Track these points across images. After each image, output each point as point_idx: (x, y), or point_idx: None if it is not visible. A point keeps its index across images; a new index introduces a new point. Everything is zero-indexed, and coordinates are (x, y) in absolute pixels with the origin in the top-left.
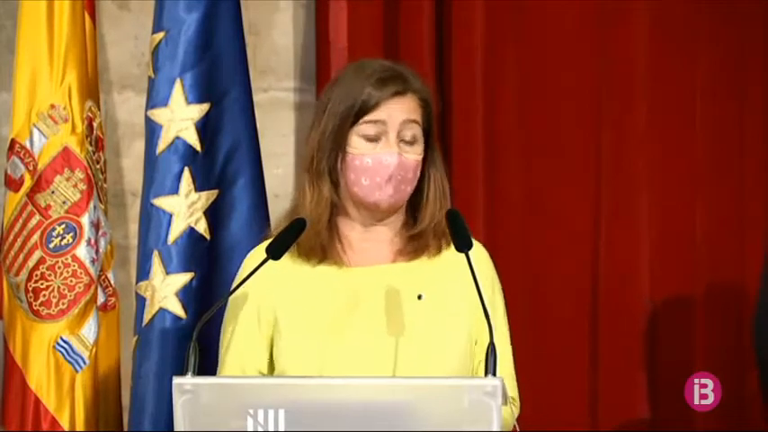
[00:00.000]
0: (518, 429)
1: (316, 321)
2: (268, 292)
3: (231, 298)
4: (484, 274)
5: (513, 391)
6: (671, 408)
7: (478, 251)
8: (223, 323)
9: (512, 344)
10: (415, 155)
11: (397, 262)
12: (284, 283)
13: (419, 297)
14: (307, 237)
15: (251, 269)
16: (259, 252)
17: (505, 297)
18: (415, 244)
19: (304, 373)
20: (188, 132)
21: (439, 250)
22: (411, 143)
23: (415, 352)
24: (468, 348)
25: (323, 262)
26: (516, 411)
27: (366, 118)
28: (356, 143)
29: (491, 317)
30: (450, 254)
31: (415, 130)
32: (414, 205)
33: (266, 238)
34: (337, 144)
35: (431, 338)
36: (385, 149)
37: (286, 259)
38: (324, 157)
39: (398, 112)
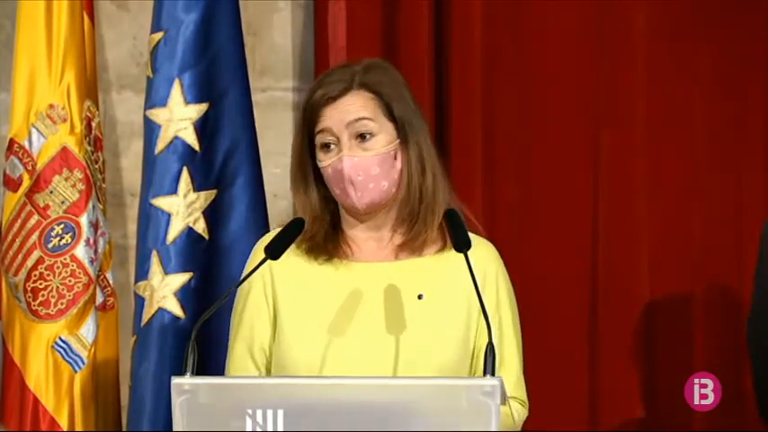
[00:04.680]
0: None
1: (316, 315)
2: (273, 281)
3: (241, 286)
4: (490, 272)
5: (521, 393)
6: (671, 408)
7: (486, 249)
8: (234, 305)
9: (522, 345)
10: (371, 151)
11: (400, 259)
12: (289, 275)
13: (419, 297)
14: (308, 239)
15: (259, 259)
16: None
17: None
18: (416, 236)
19: (303, 366)
20: (187, 132)
21: (443, 248)
22: (366, 140)
23: (412, 351)
24: (467, 349)
25: (329, 261)
26: (525, 413)
27: (316, 129)
28: (319, 155)
29: (497, 316)
30: (455, 253)
31: (367, 126)
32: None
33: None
34: (303, 157)
35: (428, 338)
36: (337, 156)
37: (294, 253)
38: (298, 171)
39: (340, 115)
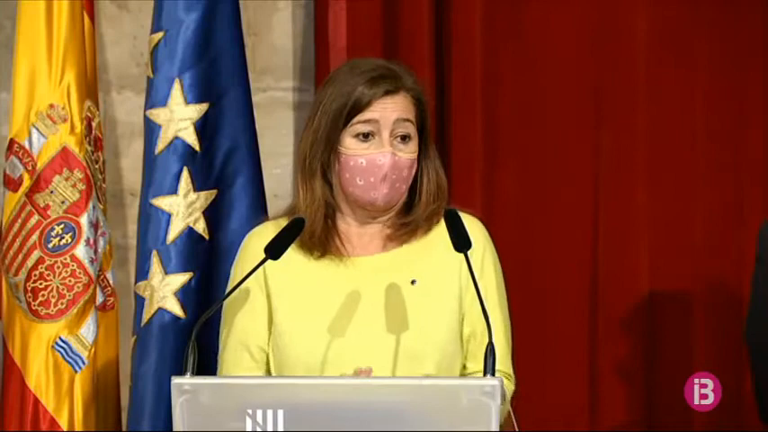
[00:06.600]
0: (515, 420)
1: (313, 309)
2: (267, 276)
3: (233, 279)
4: (477, 247)
5: (506, 366)
6: (671, 408)
7: (471, 223)
8: (223, 308)
9: (510, 320)
10: (409, 153)
11: (389, 249)
12: (283, 271)
13: (412, 282)
14: (305, 234)
15: (251, 251)
16: (258, 235)
17: (505, 279)
18: (406, 229)
19: (303, 363)
20: (187, 132)
21: (427, 231)
22: (405, 142)
23: (410, 334)
24: (459, 324)
25: (323, 256)
26: (512, 387)
27: (358, 117)
28: (349, 143)
29: (481, 283)
30: (440, 232)
31: (409, 129)
32: (408, 201)
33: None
34: (330, 144)
35: (424, 320)
36: (378, 149)
37: (286, 252)
38: (316, 156)
39: (391, 111)
